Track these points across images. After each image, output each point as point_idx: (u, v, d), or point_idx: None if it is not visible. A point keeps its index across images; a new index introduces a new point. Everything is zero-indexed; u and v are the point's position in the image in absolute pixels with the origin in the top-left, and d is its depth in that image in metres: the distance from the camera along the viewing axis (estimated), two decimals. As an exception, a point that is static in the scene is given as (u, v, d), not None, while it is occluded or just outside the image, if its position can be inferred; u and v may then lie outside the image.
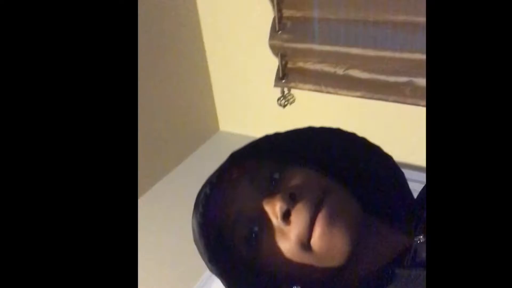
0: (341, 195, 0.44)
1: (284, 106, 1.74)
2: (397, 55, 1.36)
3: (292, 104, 1.74)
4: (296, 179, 0.45)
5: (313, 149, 0.51)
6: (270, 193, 0.44)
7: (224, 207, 0.45)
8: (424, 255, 0.43)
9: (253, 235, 0.44)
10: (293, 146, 0.51)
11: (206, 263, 0.45)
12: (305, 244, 0.42)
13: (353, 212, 0.43)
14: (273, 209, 0.42)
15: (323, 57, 1.51)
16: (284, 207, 0.41)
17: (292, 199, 0.42)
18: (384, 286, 0.42)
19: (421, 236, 0.44)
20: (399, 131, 1.57)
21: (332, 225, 0.41)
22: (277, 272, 0.45)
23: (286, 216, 0.42)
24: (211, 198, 0.44)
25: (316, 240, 0.41)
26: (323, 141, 0.51)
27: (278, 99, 1.72)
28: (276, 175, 0.45)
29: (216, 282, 1.17)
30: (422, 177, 0.56)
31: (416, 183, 0.55)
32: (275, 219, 0.43)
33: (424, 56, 1.32)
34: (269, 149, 0.49)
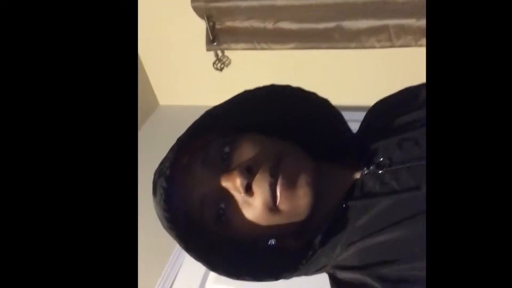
0: (293, 154, 0.46)
1: (221, 69, 1.71)
2: (322, 1, 1.37)
3: (229, 66, 1.71)
4: (246, 149, 0.46)
5: (253, 113, 0.52)
6: (227, 170, 0.45)
7: (186, 195, 0.46)
8: (370, 184, 0.46)
9: (222, 213, 0.45)
10: (234, 114, 0.51)
11: (182, 247, 0.46)
12: (272, 208, 0.44)
13: (307, 166, 0.46)
14: (234, 185, 0.44)
15: (250, 13, 1.48)
16: (245, 182, 0.43)
17: (249, 172, 0.43)
18: (341, 219, 0.46)
19: (365, 168, 0.48)
20: (335, 76, 1.62)
21: (293, 185, 0.43)
22: (251, 236, 0.47)
23: (248, 189, 0.43)
24: (170, 190, 0.44)
25: (281, 202, 0.44)
26: (261, 102, 0.52)
27: (214, 63, 1.68)
28: (227, 149, 0.46)
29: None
30: (360, 116, 0.59)
31: (355, 123, 0.58)
32: (238, 194, 0.44)
33: (347, -1, 1.35)
34: (212, 125, 0.49)
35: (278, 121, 0.53)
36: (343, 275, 0.46)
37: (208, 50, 1.62)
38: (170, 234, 0.46)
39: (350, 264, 0.45)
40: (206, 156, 0.46)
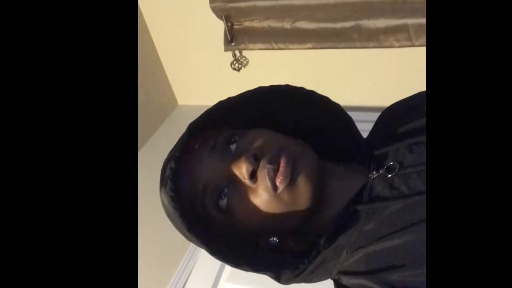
0: (298, 147, 0.47)
1: (239, 69, 1.72)
2: (340, 0, 1.36)
3: (246, 66, 1.72)
4: (254, 140, 0.47)
5: (265, 109, 0.53)
6: (235, 157, 0.46)
7: (193, 178, 0.47)
8: (378, 188, 0.46)
9: (225, 198, 0.46)
10: (247, 108, 0.52)
11: (184, 235, 0.47)
12: (273, 195, 0.45)
13: (310, 159, 0.47)
14: (240, 171, 0.45)
15: (268, 13, 1.48)
16: (250, 168, 0.44)
17: (255, 159, 0.45)
18: (348, 222, 0.46)
19: (374, 172, 0.48)
20: (353, 75, 1.60)
21: (294, 173, 0.44)
22: (253, 228, 0.47)
23: (252, 176, 0.45)
24: (178, 172, 0.46)
25: (282, 190, 0.44)
26: (274, 100, 0.53)
27: (232, 63, 1.69)
28: (236, 138, 0.48)
29: (202, 252, 1.20)
30: (374, 116, 0.59)
31: (369, 123, 0.59)
32: (243, 179, 0.45)
33: (365, -2, 1.33)
34: (224, 115, 0.51)
35: (288, 120, 0.54)
36: (349, 281, 0.45)
37: (226, 50, 1.63)
38: (173, 218, 0.46)
39: (357, 270, 0.44)
40: (215, 143, 0.48)
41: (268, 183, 0.44)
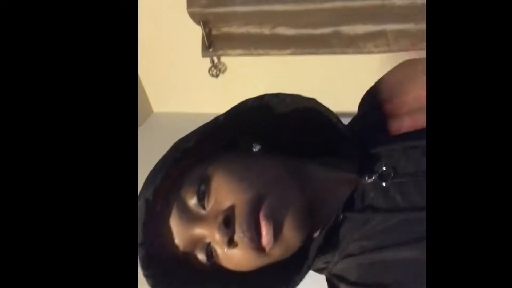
0: (277, 189, 0.42)
1: (217, 76, 1.68)
2: (319, 6, 1.36)
3: (225, 73, 1.69)
4: (223, 187, 0.42)
5: (237, 126, 0.48)
6: (203, 218, 0.42)
7: (165, 244, 0.43)
8: (371, 195, 0.43)
9: (211, 254, 0.43)
10: (218, 131, 0.47)
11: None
12: (262, 255, 0.41)
13: (292, 199, 0.42)
14: (213, 238, 0.41)
15: (247, 18, 1.46)
16: (226, 238, 0.40)
17: (227, 225, 0.40)
18: (339, 229, 0.44)
19: (366, 177, 0.44)
20: (332, 81, 1.60)
21: (279, 231, 0.40)
22: (242, 278, 0.44)
23: (231, 242, 0.40)
24: (146, 237, 0.42)
25: (270, 249, 0.41)
26: (247, 115, 0.47)
27: (209, 70, 1.66)
28: (202, 187, 0.42)
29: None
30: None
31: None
32: (220, 249, 0.42)
33: (345, 3, 1.33)
34: (182, 156, 0.45)
35: (263, 132, 0.49)
36: (340, 285, 0.44)
37: (204, 56, 1.59)
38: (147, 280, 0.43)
39: (347, 277, 0.43)
40: (182, 202, 0.43)
41: (253, 250, 0.40)
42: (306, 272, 0.43)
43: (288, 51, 1.48)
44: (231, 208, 0.40)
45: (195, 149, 0.45)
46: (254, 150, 0.48)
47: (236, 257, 0.42)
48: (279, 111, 0.48)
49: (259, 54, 1.52)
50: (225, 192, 0.41)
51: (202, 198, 0.42)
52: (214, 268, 0.44)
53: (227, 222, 0.40)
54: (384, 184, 0.42)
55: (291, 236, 0.41)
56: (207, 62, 1.64)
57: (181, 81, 1.80)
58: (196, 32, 1.54)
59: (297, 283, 0.43)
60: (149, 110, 1.94)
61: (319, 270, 0.48)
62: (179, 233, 0.42)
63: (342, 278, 0.44)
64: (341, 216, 0.43)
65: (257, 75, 1.66)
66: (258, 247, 0.40)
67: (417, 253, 0.38)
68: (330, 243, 0.43)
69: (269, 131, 0.49)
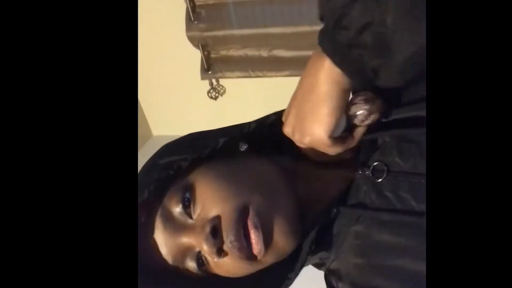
0: (264, 195, 0.40)
1: (216, 98, 1.69)
2: (315, 28, 1.37)
3: (223, 95, 1.70)
4: (208, 194, 0.40)
5: (228, 131, 0.47)
6: (190, 227, 0.40)
7: (155, 255, 0.42)
8: (364, 188, 0.41)
9: (202, 262, 0.41)
10: (201, 138, 0.47)
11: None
12: (254, 263, 0.40)
13: (280, 202, 0.41)
14: (202, 248, 0.39)
15: (245, 41, 1.48)
16: (213, 249, 0.38)
17: (215, 234, 0.38)
18: (333, 223, 0.42)
19: (359, 171, 0.42)
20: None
21: (268, 237, 0.39)
22: (235, 283, 0.43)
23: (220, 252, 0.38)
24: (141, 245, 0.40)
25: (262, 257, 0.39)
26: (241, 125, 0.47)
27: (208, 92, 1.67)
28: (187, 195, 0.41)
29: None
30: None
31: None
32: (210, 257, 0.40)
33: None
34: (174, 161, 0.45)
35: (249, 133, 0.47)
36: (338, 284, 0.44)
37: (202, 79, 1.61)
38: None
39: (343, 276, 0.42)
40: (166, 209, 0.41)
41: (243, 259, 0.39)
42: (300, 269, 0.42)
43: (286, 72, 1.49)
44: (218, 217, 0.39)
45: (178, 156, 0.45)
46: (241, 149, 0.45)
47: (227, 266, 0.40)
48: (266, 120, 0.48)
49: (257, 76, 1.53)
50: (211, 200, 0.40)
51: (187, 206, 0.40)
52: (206, 275, 0.42)
53: (215, 232, 0.38)
54: (378, 180, 0.40)
55: (283, 242, 0.40)
56: (206, 84, 1.65)
57: (180, 104, 1.81)
58: (195, 55, 1.56)
59: (292, 280, 0.42)
60: (149, 134, 1.94)
61: (317, 266, 0.46)
62: (166, 242, 0.41)
63: (339, 277, 0.43)
64: (335, 211, 0.42)
65: (256, 97, 1.66)
66: (249, 255, 0.39)
67: (412, 265, 0.36)
68: (324, 239, 0.42)
69: (256, 130, 0.47)
